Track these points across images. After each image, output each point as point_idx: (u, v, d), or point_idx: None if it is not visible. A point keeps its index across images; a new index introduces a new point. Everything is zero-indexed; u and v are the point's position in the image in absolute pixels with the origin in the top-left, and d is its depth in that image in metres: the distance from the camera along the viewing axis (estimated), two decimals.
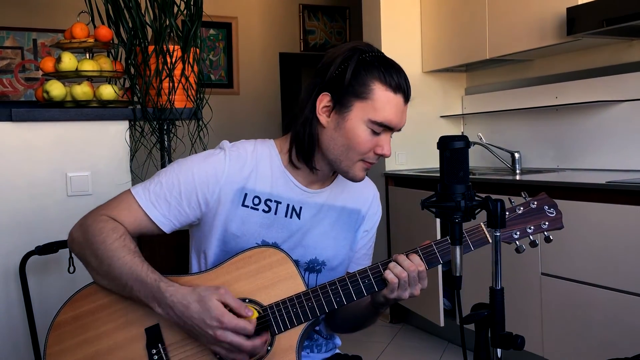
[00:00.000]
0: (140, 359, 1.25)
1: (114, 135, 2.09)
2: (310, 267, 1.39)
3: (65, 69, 2.06)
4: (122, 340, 1.26)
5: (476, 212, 1.04)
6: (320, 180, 1.39)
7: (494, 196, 1.03)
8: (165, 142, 2.30)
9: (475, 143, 3.49)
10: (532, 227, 1.32)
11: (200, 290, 1.20)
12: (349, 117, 1.27)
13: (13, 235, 1.93)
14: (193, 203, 1.32)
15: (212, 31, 5.19)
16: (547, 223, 1.32)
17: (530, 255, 2.72)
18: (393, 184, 3.80)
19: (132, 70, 2.21)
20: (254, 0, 5.38)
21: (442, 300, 3.23)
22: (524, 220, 1.32)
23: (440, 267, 3.19)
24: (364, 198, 1.47)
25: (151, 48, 2.15)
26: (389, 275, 1.24)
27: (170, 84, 2.16)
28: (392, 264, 1.25)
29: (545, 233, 1.32)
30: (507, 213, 1.31)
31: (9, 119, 1.93)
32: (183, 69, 2.18)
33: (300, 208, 1.37)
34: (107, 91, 2.09)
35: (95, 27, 2.16)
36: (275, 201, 1.35)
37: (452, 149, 1.02)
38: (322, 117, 1.30)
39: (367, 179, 1.45)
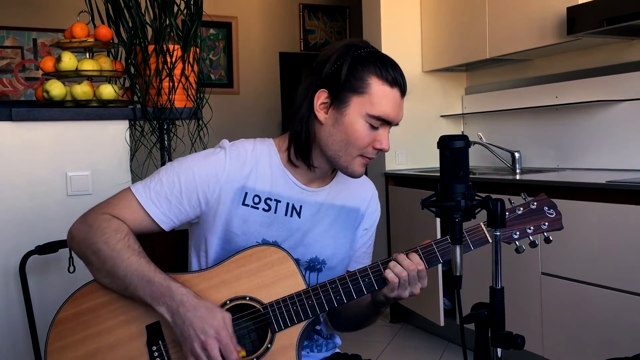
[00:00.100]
0: (141, 356, 1.25)
1: (114, 135, 2.09)
2: (311, 266, 1.39)
3: (65, 68, 2.06)
4: (122, 337, 1.26)
5: (476, 211, 1.04)
6: (319, 178, 1.39)
7: (494, 196, 1.03)
8: (165, 142, 2.30)
9: (475, 143, 3.49)
10: (531, 228, 1.32)
11: (210, 302, 1.22)
12: (346, 112, 1.28)
13: (13, 235, 1.93)
14: (193, 202, 1.32)
15: (212, 31, 5.19)
16: (546, 224, 1.32)
17: (530, 254, 2.72)
18: (393, 183, 3.80)
19: (132, 70, 2.21)
20: (254, 0, 5.38)
21: (442, 299, 3.23)
22: (524, 221, 1.32)
23: (440, 266, 3.19)
24: (363, 197, 1.48)
25: (151, 47, 2.15)
26: (389, 274, 1.25)
27: (170, 84, 2.16)
28: (392, 263, 1.26)
29: (545, 234, 1.32)
30: (507, 213, 1.31)
31: (9, 118, 1.93)
32: (183, 69, 2.18)
33: (301, 207, 1.37)
34: (107, 91, 2.09)
35: (95, 26, 2.16)
36: (275, 200, 1.35)
37: (452, 149, 1.02)
38: (320, 114, 1.30)
39: (365, 177, 1.46)
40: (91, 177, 2.05)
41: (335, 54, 1.30)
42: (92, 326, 1.27)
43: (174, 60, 2.16)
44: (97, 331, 1.27)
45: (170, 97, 2.16)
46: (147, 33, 2.18)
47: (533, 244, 1.32)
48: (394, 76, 1.28)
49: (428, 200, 1.05)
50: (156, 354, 1.25)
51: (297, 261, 1.30)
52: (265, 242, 1.33)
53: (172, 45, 2.16)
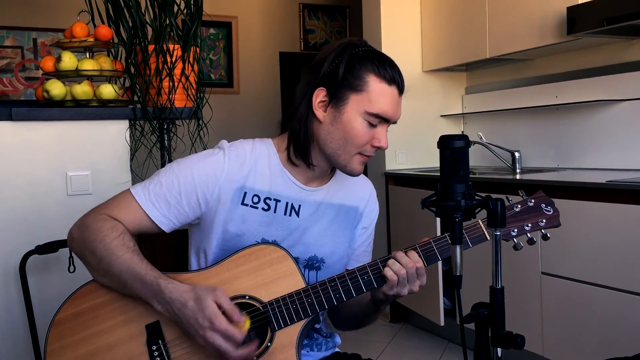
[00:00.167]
0: (141, 355, 1.25)
1: (114, 135, 2.09)
2: (310, 265, 1.39)
3: (65, 68, 2.06)
4: (122, 336, 1.26)
5: (476, 211, 1.04)
6: (318, 177, 1.40)
7: (494, 195, 1.03)
8: (166, 142, 2.30)
9: (475, 142, 3.49)
10: (529, 225, 1.33)
11: (198, 289, 1.20)
12: (345, 110, 1.29)
13: (13, 235, 1.93)
14: (193, 202, 1.32)
15: (212, 30, 5.19)
16: (544, 221, 1.33)
17: (530, 254, 2.73)
18: (393, 183, 3.80)
19: (132, 70, 2.21)
20: (254, 0, 5.37)
21: (442, 299, 3.23)
22: (522, 218, 1.33)
23: (440, 266, 3.19)
24: (361, 195, 1.48)
25: (151, 47, 2.15)
26: (387, 272, 1.26)
27: (171, 83, 2.16)
28: (390, 261, 1.27)
29: (543, 231, 1.33)
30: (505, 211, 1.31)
31: (9, 118, 1.93)
32: (183, 68, 2.18)
33: (299, 206, 1.38)
34: (107, 90, 2.09)
35: (95, 26, 2.16)
36: (274, 199, 1.36)
37: (453, 148, 1.02)
38: (319, 112, 1.31)
39: (363, 176, 1.47)
40: (91, 176, 2.05)
41: (333, 52, 1.31)
42: (91, 326, 1.27)
43: (174, 60, 2.15)
44: (97, 331, 1.27)
45: (170, 96, 2.16)
46: (147, 33, 2.18)
47: (531, 241, 1.32)
48: (391, 74, 1.28)
49: (428, 200, 1.05)
50: (156, 353, 1.25)
51: (296, 260, 1.31)
52: (264, 241, 1.33)
53: (172, 45, 2.16)
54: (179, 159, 1.38)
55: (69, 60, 2.06)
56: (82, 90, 2.06)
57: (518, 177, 3.07)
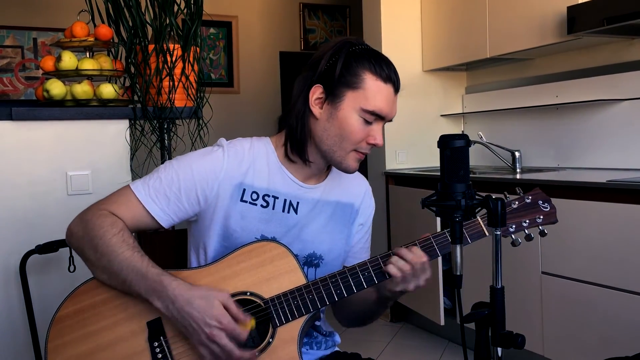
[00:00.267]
0: (142, 352, 1.25)
1: (114, 134, 2.09)
2: (309, 262, 1.40)
3: (66, 67, 2.06)
4: (123, 333, 1.27)
5: (476, 211, 1.04)
6: (315, 174, 1.41)
7: (494, 195, 1.03)
8: (166, 141, 2.30)
9: (475, 142, 3.48)
10: (527, 221, 1.34)
11: (204, 288, 1.22)
12: (341, 107, 1.30)
13: (13, 234, 1.93)
14: (192, 199, 1.33)
15: (212, 30, 5.19)
16: (541, 217, 1.34)
17: (530, 254, 2.73)
18: (393, 182, 3.80)
19: (132, 69, 2.21)
20: (255, 0, 5.38)
21: (442, 299, 3.23)
22: (519, 215, 1.34)
23: (440, 266, 3.20)
24: (357, 192, 1.50)
25: (151, 47, 2.15)
26: (392, 269, 1.27)
27: (171, 83, 2.16)
28: (394, 258, 1.28)
29: (540, 227, 1.34)
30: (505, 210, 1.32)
31: (9, 118, 1.93)
32: (183, 68, 2.18)
33: (298, 203, 1.39)
34: (107, 90, 2.09)
35: (95, 26, 2.16)
36: (272, 196, 1.37)
37: (453, 148, 1.02)
38: (315, 109, 1.33)
39: (358, 174, 1.48)
40: (91, 176, 2.05)
41: (330, 50, 1.32)
42: (92, 323, 1.27)
43: (174, 59, 2.16)
44: (98, 328, 1.27)
45: (171, 96, 2.16)
46: (147, 32, 2.18)
47: (529, 237, 1.33)
48: (387, 72, 1.30)
49: (428, 200, 1.05)
50: (158, 349, 1.25)
51: (296, 256, 1.31)
52: (264, 238, 1.34)
53: (172, 45, 2.16)
54: (178, 156, 1.39)
55: (69, 60, 2.06)
56: (82, 89, 2.06)
57: (518, 176, 3.07)
